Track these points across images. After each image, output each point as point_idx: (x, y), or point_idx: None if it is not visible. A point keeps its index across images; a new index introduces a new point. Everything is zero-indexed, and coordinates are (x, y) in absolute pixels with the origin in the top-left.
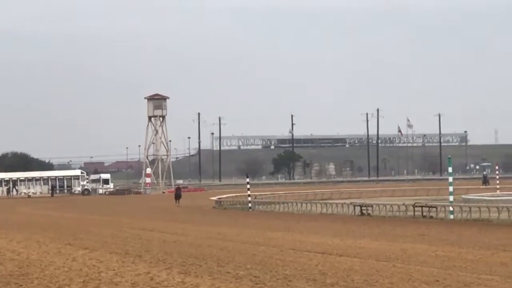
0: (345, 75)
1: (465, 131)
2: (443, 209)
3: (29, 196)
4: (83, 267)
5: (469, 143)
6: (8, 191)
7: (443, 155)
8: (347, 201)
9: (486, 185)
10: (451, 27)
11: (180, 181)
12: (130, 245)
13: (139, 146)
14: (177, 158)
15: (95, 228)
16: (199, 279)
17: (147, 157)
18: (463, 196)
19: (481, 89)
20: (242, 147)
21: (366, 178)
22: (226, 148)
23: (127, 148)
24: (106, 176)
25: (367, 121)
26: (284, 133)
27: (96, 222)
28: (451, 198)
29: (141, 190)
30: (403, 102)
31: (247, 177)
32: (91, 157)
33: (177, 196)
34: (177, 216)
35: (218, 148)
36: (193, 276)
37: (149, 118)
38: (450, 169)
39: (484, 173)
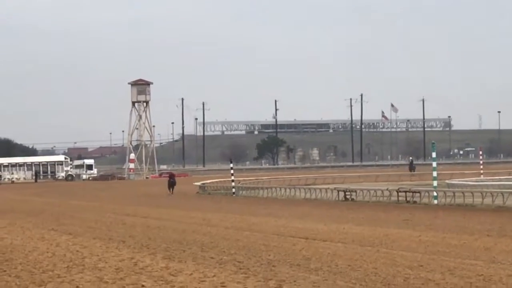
0: (328, 60)
1: (449, 116)
2: (427, 194)
3: (12, 182)
4: (67, 253)
5: (453, 128)
6: None
7: (427, 140)
8: (331, 187)
9: (412, 172)
10: (435, 12)
11: (163, 167)
12: (114, 231)
13: (123, 131)
14: (160, 143)
15: (78, 213)
16: (182, 264)
17: (130, 143)
18: (447, 181)
19: (465, 75)
20: (226, 133)
21: (350, 163)
22: (210, 133)
23: (110, 133)
24: (90, 161)
25: (351, 106)
26: (268, 119)
27: (79, 207)
28: (435, 183)
29: (125, 176)
30: (387, 87)
31: (231, 162)
32: (75, 143)
33: (171, 184)
34: (161, 201)
35: (202, 134)
36: (176, 261)
37: (133, 103)
38: (434, 154)
39: (411, 158)
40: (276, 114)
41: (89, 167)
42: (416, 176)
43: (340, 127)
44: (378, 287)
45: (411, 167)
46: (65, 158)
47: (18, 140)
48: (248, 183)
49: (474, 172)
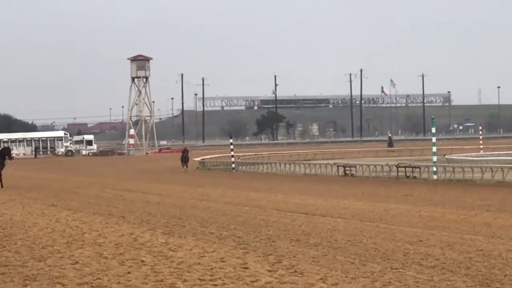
0: (328, 36)
1: (449, 92)
2: (426, 169)
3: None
4: (67, 228)
5: (453, 103)
6: None
7: (426, 115)
8: (331, 162)
9: (391, 147)
10: None
11: (163, 142)
12: (114, 206)
13: (123, 107)
14: (160, 119)
15: (78, 189)
16: (182, 239)
17: (130, 118)
18: (447, 157)
19: (464, 50)
20: (225, 108)
21: (350, 139)
22: (210, 109)
23: (110, 109)
24: (90, 137)
25: (351, 81)
26: (268, 94)
27: (79, 183)
28: (434, 158)
29: (125, 151)
30: (386, 62)
31: (231, 138)
32: (75, 118)
33: (185, 160)
34: (160, 177)
35: (202, 109)
36: (176, 236)
37: (132, 79)
38: (433, 130)
39: (389, 135)
40: (275, 90)
41: (89, 142)
42: (396, 152)
43: (339, 102)
44: (378, 262)
45: (390, 143)
46: (65, 134)
47: (18, 116)
48: (247, 158)
49: (474, 148)
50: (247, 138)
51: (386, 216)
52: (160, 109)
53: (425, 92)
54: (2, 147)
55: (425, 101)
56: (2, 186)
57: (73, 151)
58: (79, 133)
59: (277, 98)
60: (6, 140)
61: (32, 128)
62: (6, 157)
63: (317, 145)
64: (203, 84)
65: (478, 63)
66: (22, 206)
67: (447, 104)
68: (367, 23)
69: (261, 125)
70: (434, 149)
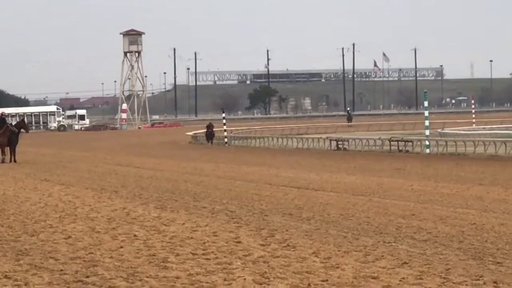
0: (320, 9)
1: (441, 65)
2: (419, 143)
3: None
4: (59, 203)
5: (445, 77)
6: None
7: (419, 89)
8: (323, 136)
9: (349, 122)
10: None
11: (156, 117)
12: (106, 181)
13: (115, 81)
14: (152, 93)
15: (71, 163)
16: (175, 214)
17: (122, 93)
18: (439, 130)
19: (457, 23)
20: (218, 82)
21: (342, 113)
22: (202, 83)
23: (102, 83)
24: (82, 112)
25: (343, 55)
26: (260, 68)
27: (72, 158)
28: (427, 132)
29: (117, 126)
30: (379, 36)
31: (223, 112)
32: (67, 93)
33: (210, 136)
34: (153, 151)
35: (194, 83)
36: (169, 211)
37: (125, 53)
38: (426, 104)
39: (348, 109)
40: (268, 64)
41: (81, 117)
42: (354, 127)
43: (332, 76)
44: (370, 236)
45: (349, 117)
46: (57, 109)
47: (10, 91)
48: (240, 132)
49: (466, 121)
50: (239, 112)
51: (379, 190)
52: (153, 83)
53: (417, 66)
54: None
55: (417, 75)
56: (15, 161)
57: (66, 126)
58: (72, 108)
59: (270, 72)
60: None
61: (24, 103)
62: (22, 130)
63: (309, 119)
64: (195, 59)
65: (470, 37)
66: (14, 181)
67: (439, 78)
68: None
69: (254, 100)
70: (427, 123)
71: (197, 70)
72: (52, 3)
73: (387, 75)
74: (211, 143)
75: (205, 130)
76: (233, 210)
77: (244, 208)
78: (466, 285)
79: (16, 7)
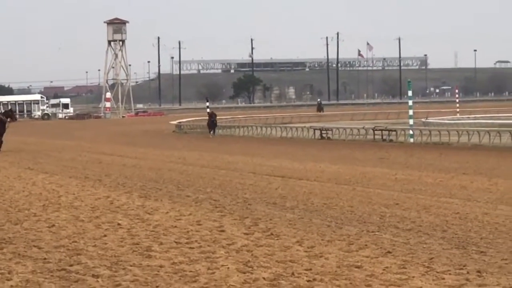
0: None
1: (425, 55)
2: (403, 132)
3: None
4: (43, 191)
5: (429, 66)
6: None
7: (403, 78)
8: (307, 125)
9: (321, 112)
10: None
11: (140, 105)
12: (90, 169)
13: (99, 70)
14: (136, 82)
15: (55, 152)
16: (158, 202)
17: (106, 82)
18: (423, 120)
19: (441, 12)
20: (202, 71)
21: (326, 102)
22: (186, 72)
23: (86, 72)
24: (66, 100)
25: (327, 45)
26: (244, 57)
27: (56, 146)
28: (411, 121)
29: (101, 115)
30: (363, 26)
31: (207, 101)
32: (51, 82)
33: (212, 125)
34: (137, 140)
35: (178, 72)
36: (153, 199)
37: (109, 42)
38: (410, 93)
39: (319, 100)
40: (252, 53)
41: (65, 106)
42: (325, 117)
43: (316, 65)
44: (354, 225)
45: (319, 108)
46: (41, 97)
47: None
48: (224, 121)
49: (450, 111)
50: (223, 101)
51: (363, 179)
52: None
53: (401, 56)
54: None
55: (401, 64)
56: None
57: (50, 114)
58: (56, 97)
59: (254, 61)
60: None
61: (8, 91)
62: (9, 119)
63: (293, 109)
64: (179, 48)
65: (454, 27)
66: None
67: (423, 67)
68: None
69: (238, 89)
70: (411, 112)
71: (181, 59)
72: None
73: (371, 65)
74: (213, 133)
75: (207, 119)
76: (217, 199)
77: (228, 197)
78: (450, 274)
79: None
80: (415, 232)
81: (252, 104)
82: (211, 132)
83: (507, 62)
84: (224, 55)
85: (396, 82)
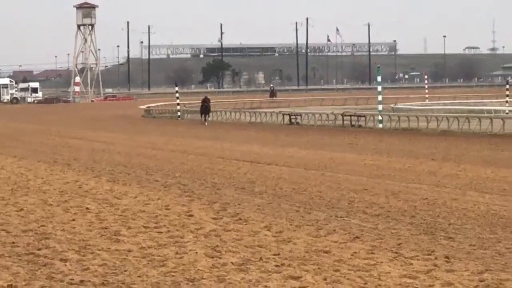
0: None
1: (394, 41)
2: (372, 118)
3: None
4: (12, 175)
5: (398, 52)
6: None
7: (372, 64)
8: (276, 110)
9: (273, 98)
10: None
11: (109, 90)
12: (59, 154)
13: (68, 54)
14: (106, 66)
15: (24, 136)
16: (127, 187)
17: (76, 66)
18: (392, 106)
19: None
20: (171, 56)
21: (295, 87)
22: (155, 57)
23: (56, 56)
24: (35, 84)
25: (296, 30)
26: (213, 42)
27: (25, 130)
28: (380, 107)
29: (70, 99)
30: (332, 11)
31: (176, 86)
32: (20, 66)
33: (205, 110)
34: (106, 125)
35: (147, 57)
36: (121, 184)
37: (78, 26)
38: (379, 79)
39: (271, 85)
40: (221, 38)
41: (34, 90)
42: (276, 103)
43: (285, 51)
44: (322, 211)
45: (272, 93)
46: (10, 81)
47: None
48: (193, 106)
49: (419, 97)
50: (192, 86)
51: (331, 165)
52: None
53: (370, 41)
54: None
55: (370, 50)
56: None
57: (19, 98)
58: (25, 81)
59: (223, 46)
60: None
61: None
62: None
63: (262, 94)
64: (148, 32)
65: (424, 12)
66: None
67: (392, 53)
68: None
69: (207, 73)
70: (380, 98)
71: (151, 44)
72: None
73: (340, 50)
74: (206, 119)
75: (200, 104)
76: (186, 184)
77: (197, 181)
78: (418, 259)
79: None
80: (383, 217)
81: (221, 89)
82: (203, 118)
83: (477, 48)
84: (193, 40)
85: (365, 67)
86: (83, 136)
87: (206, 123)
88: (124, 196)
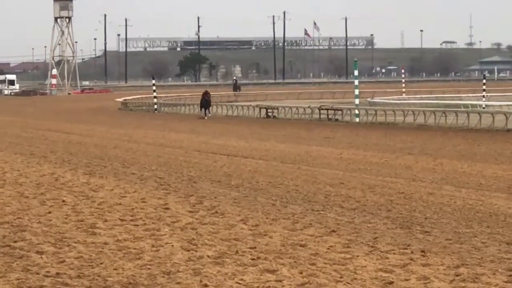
0: None
1: (372, 35)
2: (348, 112)
3: None
4: None
5: (375, 46)
6: None
7: (349, 58)
8: (253, 104)
9: (237, 91)
10: None
11: (86, 83)
12: (35, 146)
13: (45, 47)
14: (83, 59)
15: (0, 128)
16: (103, 180)
17: (53, 58)
18: (369, 100)
19: None
20: (148, 49)
21: (272, 81)
22: (132, 49)
23: (33, 49)
24: (12, 77)
25: (274, 23)
26: (191, 35)
27: (1, 123)
28: (357, 101)
29: (47, 91)
30: (310, 5)
31: (153, 79)
32: None
33: (205, 104)
34: (82, 117)
35: (124, 50)
36: (97, 177)
37: (55, 19)
38: (356, 72)
39: (234, 78)
40: (198, 31)
41: (11, 82)
42: (242, 97)
43: (262, 44)
44: (299, 204)
45: (236, 87)
46: None
47: None
48: (170, 99)
49: (396, 91)
50: (169, 79)
51: (308, 158)
52: (83, 49)
53: (348, 35)
54: None
55: (347, 44)
56: None
57: None
58: (1, 73)
59: (200, 39)
60: None
61: None
62: None
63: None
64: (126, 25)
65: (401, 7)
66: None
67: (369, 47)
68: None
69: (184, 67)
70: (357, 91)
71: (128, 37)
72: None
73: (317, 44)
74: (206, 114)
75: (201, 98)
76: (162, 177)
77: (173, 175)
78: (394, 253)
79: None
80: (359, 211)
81: (198, 82)
82: (203, 112)
83: (454, 42)
84: (170, 33)
85: (342, 61)
86: (59, 128)
87: (206, 117)
88: (101, 189)
